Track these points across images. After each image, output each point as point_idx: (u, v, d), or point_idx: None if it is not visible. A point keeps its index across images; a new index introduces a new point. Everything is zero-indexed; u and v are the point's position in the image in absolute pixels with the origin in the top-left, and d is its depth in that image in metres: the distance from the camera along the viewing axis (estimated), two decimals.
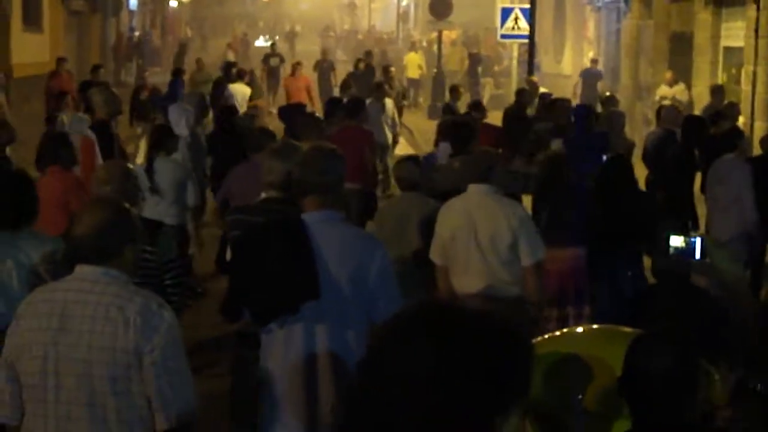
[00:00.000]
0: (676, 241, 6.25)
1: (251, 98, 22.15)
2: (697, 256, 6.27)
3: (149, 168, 10.67)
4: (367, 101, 16.34)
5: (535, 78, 22.29)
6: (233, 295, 5.65)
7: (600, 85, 29.40)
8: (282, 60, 34.57)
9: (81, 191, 8.97)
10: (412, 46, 41.74)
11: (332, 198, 5.51)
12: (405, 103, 28.52)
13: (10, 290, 5.67)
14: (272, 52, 34.98)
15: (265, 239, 5.44)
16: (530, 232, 7.63)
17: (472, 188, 7.78)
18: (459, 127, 11.33)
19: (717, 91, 18.65)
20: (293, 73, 27.50)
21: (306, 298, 5.26)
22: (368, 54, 32.02)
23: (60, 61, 24.16)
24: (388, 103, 19.14)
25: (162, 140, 11.04)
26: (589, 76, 30.09)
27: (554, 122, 14.82)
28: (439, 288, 7.88)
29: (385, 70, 26.09)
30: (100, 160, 11.47)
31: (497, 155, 8.14)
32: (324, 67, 32.71)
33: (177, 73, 21.72)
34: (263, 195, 7.00)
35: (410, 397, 2.42)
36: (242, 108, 21.04)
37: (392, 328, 2.54)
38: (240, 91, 21.90)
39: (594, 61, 31.11)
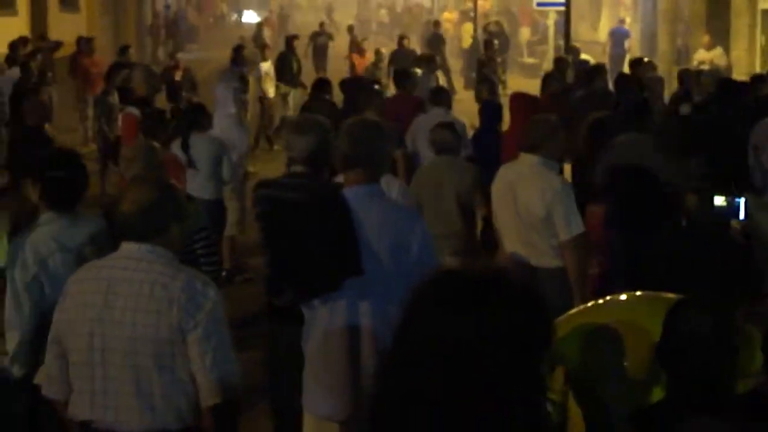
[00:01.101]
0: (719, 200, 6.22)
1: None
2: (741, 216, 6.23)
3: (185, 144, 10.77)
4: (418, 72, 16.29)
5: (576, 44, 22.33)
6: (276, 272, 5.67)
7: (628, 44, 29.66)
8: (331, 38, 32.66)
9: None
10: (466, 16, 41.22)
11: (375, 172, 5.52)
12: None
13: (55, 273, 5.69)
14: (321, 31, 32.94)
15: (307, 215, 5.45)
16: (566, 207, 7.48)
17: (523, 157, 7.77)
18: None
19: None
20: (359, 52, 26.72)
21: (349, 275, 5.27)
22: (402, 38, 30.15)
23: (84, 40, 23.89)
24: (440, 76, 19.05)
25: (196, 118, 11.17)
26: (618, 36, 30.89)
27: (593, 88, 14.74)
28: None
29: (434, 41, 25.83)
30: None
31: (555, 124, 7.88)
32: (319, 42, 31.87)
33: (238, 49, 21.00)
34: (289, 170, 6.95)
35: (442, 361, 2.48)
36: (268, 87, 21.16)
37: (422, 295, 2.61)
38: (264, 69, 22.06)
39: (622, 21, 31.33)
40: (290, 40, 23.96)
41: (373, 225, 5.33)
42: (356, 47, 26.54)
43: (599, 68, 16.44)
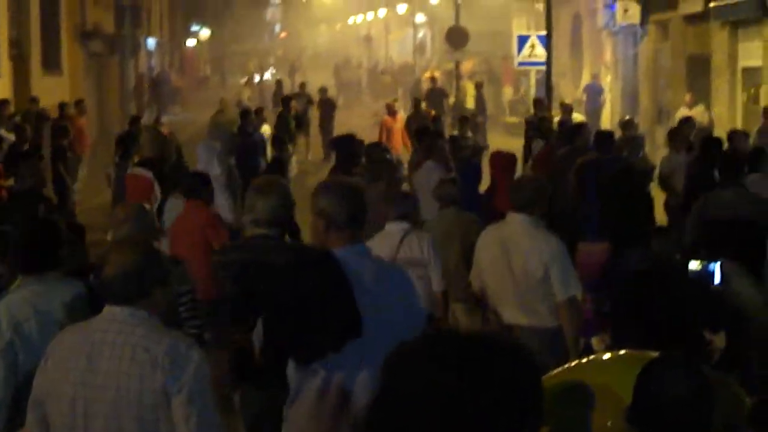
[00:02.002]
0: (694, 264, 6.20)
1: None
2: (716, 281, 6.21)
3: (159, 207, 10.71)
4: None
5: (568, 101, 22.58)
6: (273, 337, 5.59)
7: (602, 99, 30.23)
8: (310, 101, 31.08)
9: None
10: (449, 75, 41.28)
11: (360, 232, 5.49)
12: None
13: (30, 338, 5.60)
14: (300, 92, 31.82)
15: (302, 277, 5.39)
16: (563, 267, 7.49)
17: (511, 216, 7.75)
18: None
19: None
20: (390, 113, 25.40)
21: (350, 336, 5.21)
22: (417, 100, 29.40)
23: (78, 102, 23.99)
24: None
25: (175, 181, 11.03)
26: (593, 91, 32.26)
27: (574, 146, 14.85)
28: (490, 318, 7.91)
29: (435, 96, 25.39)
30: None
31: (544, 184, 7.99)
32: (326, 106, 31.59)
33: (244, 115, 20.10)
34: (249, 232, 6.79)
35: (428, 417, 2.46)
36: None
37: (413, 351, 2.59)
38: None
39: (595, 77, 33.31)
40: (287, 101, 24.02)
41: (363, 285, 5.29)
42: (389, 109, 25.44)
43: (581, 126, 16.54)
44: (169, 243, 9.38)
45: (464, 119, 20.59)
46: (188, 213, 9.46)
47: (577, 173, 12.56)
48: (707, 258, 7.08)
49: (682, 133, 15.13)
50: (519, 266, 7.51)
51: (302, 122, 26.05)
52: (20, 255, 5.89)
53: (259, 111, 23.26)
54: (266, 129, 22.01)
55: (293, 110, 24.55)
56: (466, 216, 9.69)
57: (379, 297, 5.28)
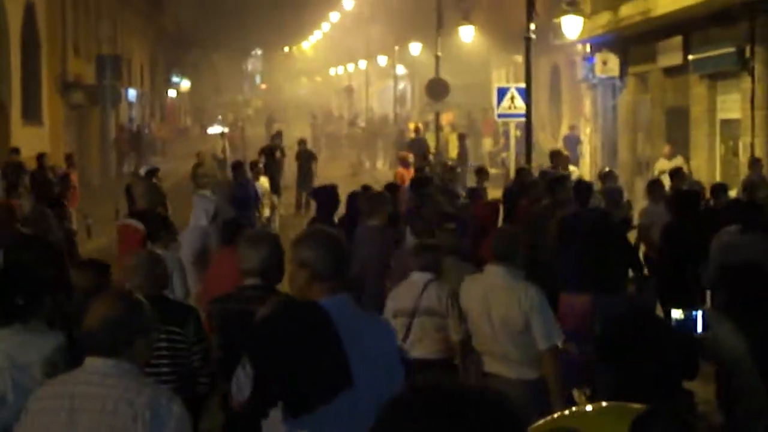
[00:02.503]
0: (677, 314, 6.22)
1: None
2: (699, 330, 6.22)
3: None
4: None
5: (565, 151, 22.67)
6: (262, 389, 5.54)
7: (580, 149, 30.62)
8: (283, 153, 30.56)
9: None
10: (429, 127, 41.61)
11: (342, 282, 5.46)
12: None
13: (4, 391, 5.51)
14: (273, 145, 31.01)
15: (290, 328, 5.35)
16: (544, 317, 7.51)
17: (490, 269, 7.76)
18: None
19: (754, 163, 18.60)
20: (404, 164, 24.82)
21: (342, 387, 5.17)
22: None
23: (69, 156, 23.92)
24: None
25: (158, 231, 10.84)
26: (571, 141, 32.65)
27: (555, 198, 14.89)
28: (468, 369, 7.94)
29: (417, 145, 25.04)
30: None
31: (518, 235, 8.07)
32: (304, 158, 31.40)
33: (237, 167, 20.08)
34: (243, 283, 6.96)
35: None
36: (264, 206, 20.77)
37: (400, 404, 2.60)
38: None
39: (573, 127, 33.91)
40: (273, 151, 23.86)
41: (349, 335, 5.25)
42: (403, 161, 25.20)
43: (562, 178, 16.62)
44: (204, 288, 9.51)
45: (451, 169, 20.65)
46: (226, 259, 9.30)
47: (558, 225, 12.66)
48: (727, 300, 7.11)
49: (660, 185, 15.26)
50: (499, 317, 7.52)
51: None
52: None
53: (254, 164, 23.19)
54: (264, 181, 21.89)
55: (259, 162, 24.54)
56: (464, 266, 9.75)
57: (362, 347, 5.25)
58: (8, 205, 13.01)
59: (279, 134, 33.45)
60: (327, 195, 12.48)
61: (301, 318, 5.31)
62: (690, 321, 6.21)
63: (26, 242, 11.05)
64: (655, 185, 15.37)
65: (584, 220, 12.27)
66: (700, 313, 6.29)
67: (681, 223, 12.38)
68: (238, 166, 19.78)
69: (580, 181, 17.36)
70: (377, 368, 5.21)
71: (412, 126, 41.16)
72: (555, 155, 21.41)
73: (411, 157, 25.68)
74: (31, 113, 32.01)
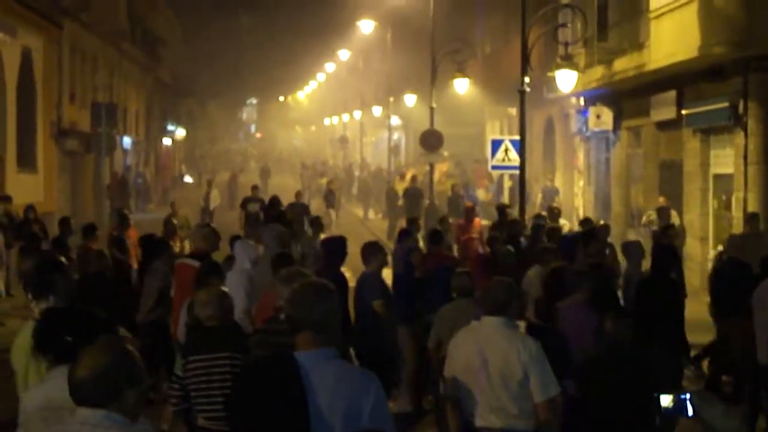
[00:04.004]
0: (666, 400, 6.18)
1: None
2: (689, 413, 6.21)
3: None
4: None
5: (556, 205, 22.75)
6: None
7: (557, 200, 32.58)
8: (263, 206, 27.73)
9: None
10: (446, 178, 41.78)
11: (325, 335, 5.39)
12: None
13: None
14: (252, 197, 30.28)
15: (258, 378, 5.35)
16: (542, 368, 7.51)
17: (486, 319, 7.76)
18: None
19: (752, 218, 18.63)
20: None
21: None
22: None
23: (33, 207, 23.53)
24: None
25: (210, 273, 10.83)
26: (548, 192, 34.13)
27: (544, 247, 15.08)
28: (450, 424, 7.88)
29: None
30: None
31: (514, 287, 8.06)
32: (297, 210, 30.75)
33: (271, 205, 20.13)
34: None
35: None
36: None
37: None
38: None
39: (551, 180, 35.89)
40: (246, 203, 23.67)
41: (325, 389, 5.21)
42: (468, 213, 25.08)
43: (554, 231, 16.72)
44: (256, 315, 10.32)
45: (443, 220, 20.69)
46: (273, 290, 9.54)
47: (546, 278, 12.75)
48: None
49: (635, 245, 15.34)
50: (497, 368, 7.50)
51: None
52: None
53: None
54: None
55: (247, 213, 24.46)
56: (477, 306, 9.86)
57: (337, 400, 5.21)
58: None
59: (255, 188, 32.87)
60: (336, 245, 12.76)
61: (268, 372, 5.31)
62: (680, 405, 6.19)
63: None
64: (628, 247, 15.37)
65: (569, 272, 12.44)
66: (688, 396, 6.27)
67: (658, 278, 12.47)
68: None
69: (565, 235, 17.45)
70: (349, 420, 5.19)
71: (408, 175, 41.36)
72: (551, 211, 21.63)
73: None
74: (26, 160, 32.06)
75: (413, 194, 36.05)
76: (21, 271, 19.60)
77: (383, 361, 10.68)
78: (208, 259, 12.11)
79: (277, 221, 16.90)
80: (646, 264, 14.25)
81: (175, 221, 21.95)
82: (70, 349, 5.70)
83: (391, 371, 11.44)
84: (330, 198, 42.27)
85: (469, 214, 23.88)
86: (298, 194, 31.89)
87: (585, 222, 19.84)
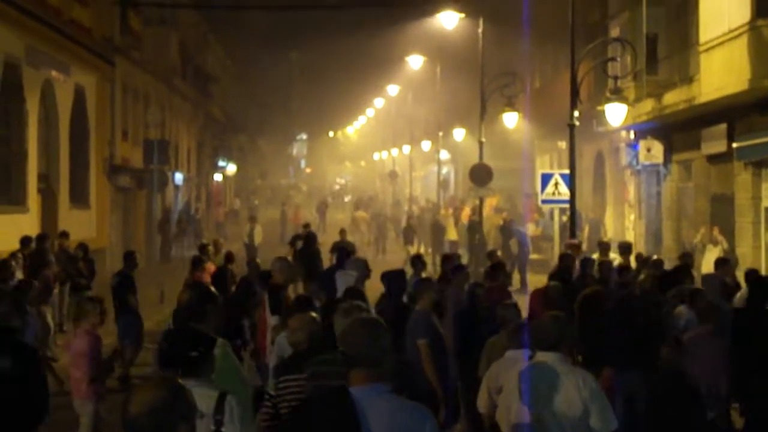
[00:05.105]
0: None
1: None
2: None
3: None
4: None
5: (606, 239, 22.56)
6: None
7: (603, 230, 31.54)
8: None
9: None
10: (455, 212, 42.51)
11: (378, 371, 5.44)
12: None
13: None
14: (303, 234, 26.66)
15: (315, 413, 5.38)
16: (602, 403, 7.49)
17: (542, 355, 7.74)
18: None
19: None
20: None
21: None
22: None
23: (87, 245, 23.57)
24: None
25: (304, 306, 11.16)
26: (593, 224, 35.05)
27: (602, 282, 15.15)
28: None
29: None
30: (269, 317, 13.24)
31: (568, 321, 8.05)
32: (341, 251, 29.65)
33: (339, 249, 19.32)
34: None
35: None
36: None
37: None
38: None
39: (595, 212, 36.97)
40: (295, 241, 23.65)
41: (380, 425, 5.25)
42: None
43: (606, 264, 16.67)
44: None
45: (492, 254, 20.65)
46: None
47: (580, 305, 13.01)
48: None
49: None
50: (560, 405, 7.46)
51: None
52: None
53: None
54: None
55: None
56: None
57: None
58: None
59: (307, 225, 31.76)
60: (397, 279, 13.48)
61: (325, 407, 5.35)
62: None
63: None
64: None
65: (605, 299, 13.22)
66: None
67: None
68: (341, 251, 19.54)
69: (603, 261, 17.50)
70: None
71: (467, 210, 41.66)
72: (602, 246, 21.60)
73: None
74: (79, 196, 32.39)
75: (473, 228, 36.20)
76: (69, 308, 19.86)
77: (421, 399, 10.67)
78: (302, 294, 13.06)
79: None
80: None
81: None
82: (196, 364, 6.82)
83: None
84: (408, 234, 43.15)
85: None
86: (342, 232, 31.16)
87: (683, 257, 19.36)
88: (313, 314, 9.12)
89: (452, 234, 39.88)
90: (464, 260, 25.43)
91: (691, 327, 12.37)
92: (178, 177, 49.11)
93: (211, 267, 19.55)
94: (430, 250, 40.86)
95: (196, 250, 22.39)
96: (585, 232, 33.64)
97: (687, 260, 18.10)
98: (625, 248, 21.00)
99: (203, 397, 6.58)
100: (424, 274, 16.52)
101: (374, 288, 14.26)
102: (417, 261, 17.57)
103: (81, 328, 11.73)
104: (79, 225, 30.14)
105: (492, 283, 15.33)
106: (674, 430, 8.92)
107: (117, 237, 36.11)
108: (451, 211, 45.49)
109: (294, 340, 8.69)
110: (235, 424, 6.74)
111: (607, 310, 12.92)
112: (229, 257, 20.59)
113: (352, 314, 7.96)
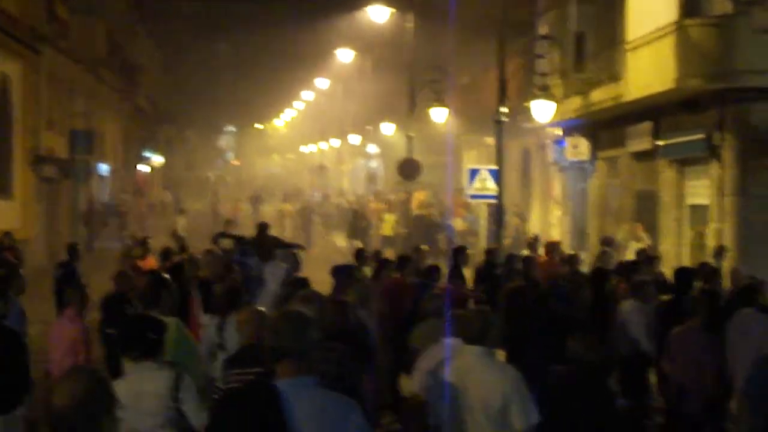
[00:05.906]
0: None
1: None
2: None
3: (222, 325, 10.79)
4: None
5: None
6: None
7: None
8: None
9: None
10: (390, 207, 42.43)
11: (306, 363, 5.48)
12: None
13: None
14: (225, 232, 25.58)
15: (238, 407, 5.39)
16: (523, 396, 7.52)
17: (465, 348, 7.77)
18: None
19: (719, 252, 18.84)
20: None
21: None
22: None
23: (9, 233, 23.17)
24: None
25: (234, 300, 11.09)
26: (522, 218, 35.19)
27: (527, 278, 15.20)
28: None
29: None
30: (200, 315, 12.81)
31: (491, 315, 8.10)
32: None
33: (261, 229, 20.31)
34: None
35: None
36: None
37: None
38: None
39: (516, 204, 36.60)
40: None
41: (306, 417, 5.26)
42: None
43: (531, 259, 16.82)
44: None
45: (417, 249, 20.66)
46: None
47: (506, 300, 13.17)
48: None
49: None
50: (477, 398, 7.49)
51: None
52: None
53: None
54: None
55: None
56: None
57: (317, 428, 5.27)
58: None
59: (230, 222, 31.73)
60: (345, 272, 13.53)
61: (248, 401, 5.35)
62: None
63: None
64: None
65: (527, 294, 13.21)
66: None
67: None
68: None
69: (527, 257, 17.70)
70: None
71: (421, 197, 41.61)
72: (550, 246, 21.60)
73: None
74: (2, 186, 31.94)
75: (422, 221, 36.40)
76: None
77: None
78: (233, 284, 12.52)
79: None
80: None
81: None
82: (153, 346, 7.31)
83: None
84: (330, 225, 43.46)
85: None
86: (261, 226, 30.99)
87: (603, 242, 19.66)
88: (260, 308, 9.11)
89: (387, 229, 39.65)
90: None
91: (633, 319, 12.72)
92: (104, 168, 48.62)
93: (151, 261, 19.27)
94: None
95: (119, 242, 22.28)
96: (511, 228, 33.84)
97: (641, 257, 18.21)
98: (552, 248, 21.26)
99: (162, 378, 7.21)
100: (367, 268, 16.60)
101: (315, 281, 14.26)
102: (360, 255, 17.67)
103: (65, 316, 11.74)
104: (3, 216, 29.71)
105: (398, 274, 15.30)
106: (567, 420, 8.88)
107: (41, 228, 35.65)
108: (385, 206, 45.37)
109: (243, 336, 8.65)
110: (191, 402, 7.25)
111: (528, 304, 13.02)
112: (166, 254, 20.36)
113: (312, 302, 8.17)
